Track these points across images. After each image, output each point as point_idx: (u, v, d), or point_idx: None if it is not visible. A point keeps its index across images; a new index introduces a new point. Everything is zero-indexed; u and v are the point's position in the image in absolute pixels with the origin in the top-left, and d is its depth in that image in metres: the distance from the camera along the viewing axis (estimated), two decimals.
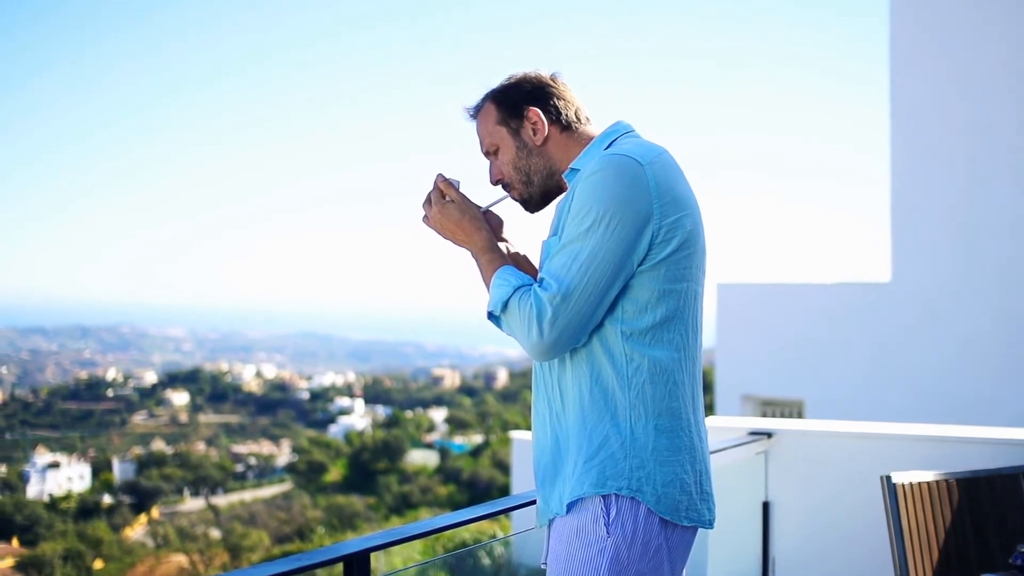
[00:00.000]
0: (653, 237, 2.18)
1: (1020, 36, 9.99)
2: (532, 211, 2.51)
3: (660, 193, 2.19)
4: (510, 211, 2.56)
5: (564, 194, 2.38)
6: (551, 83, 2.47)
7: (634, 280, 2.20)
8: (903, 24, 10.77)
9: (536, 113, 2.42)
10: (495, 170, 2.50)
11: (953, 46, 10.50)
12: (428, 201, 2.46)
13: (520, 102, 2.44)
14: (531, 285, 2.25)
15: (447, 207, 2.43)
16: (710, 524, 2.28)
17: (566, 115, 2.45)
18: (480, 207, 2.48)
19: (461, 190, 2.46)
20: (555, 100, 2.45)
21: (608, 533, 2.15)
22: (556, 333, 2.17)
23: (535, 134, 2.43)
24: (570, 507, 2.21)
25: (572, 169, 2.39)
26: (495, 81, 2.49)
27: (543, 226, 2.39)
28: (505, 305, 2.25)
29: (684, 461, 2.21)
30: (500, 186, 2.52)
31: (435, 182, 2.45)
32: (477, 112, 2.50)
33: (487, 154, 2.50)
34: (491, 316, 2.31)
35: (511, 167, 2.46)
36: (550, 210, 2.45)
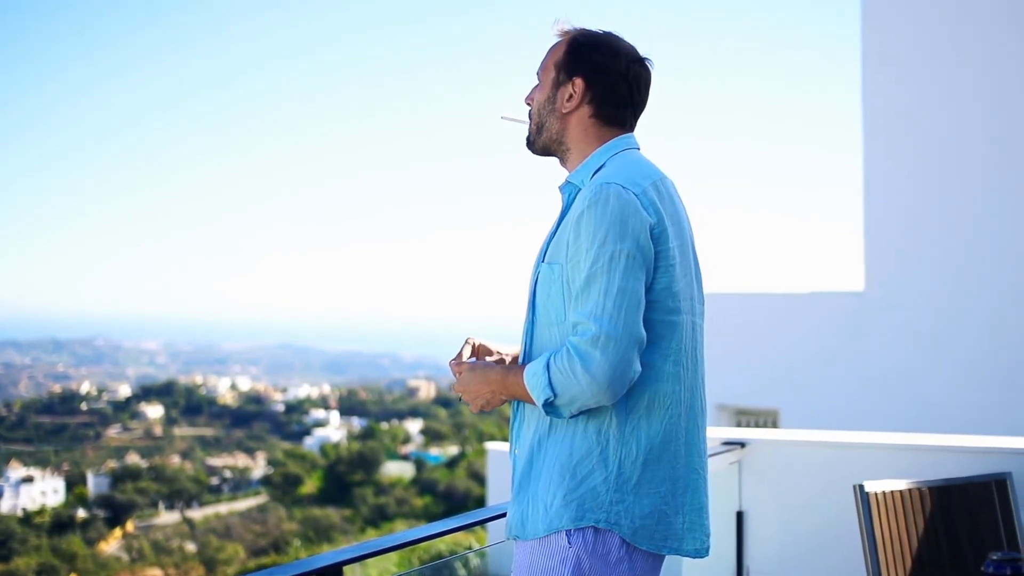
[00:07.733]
0: (650, 267, 2.16)
1: (992, 41, 10.06)
2: (531, 151, 2.44)
3: (657, 221, 2.17)
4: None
5: (555, 222, 2.33)
6: (625, 69, 2.32)
7: None
8: (875, 27, 10.81)
9: (580, 86, 2.32)
10: (532, 94, 2.42)
11: (925, 50, 10.56)
12: (459, 395, 2.42)
13: (580, 65, 2.32)
14: (556, 351, 2.15)
15: (463, 379, 2.40)
16: (695, 553, 2.26)
17: (608, 108, 2.33)
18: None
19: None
20: (612, 87, 2.32)
21: (570, 544, 2.15)
22: (610, 370, 2.05)
23: (568, 101, 2.33)
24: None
25: (568, 183, 2.35)
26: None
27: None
28: (551, 386, 2.12)
29: (666, 492, 2.19)
30: (528, 108, 2.45)
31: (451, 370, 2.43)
32: (559, 37, 2.39)
33: (537, 74, 2.42)
34: (549, 408, 2.16)
35: (536, 107, 2.40)
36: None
